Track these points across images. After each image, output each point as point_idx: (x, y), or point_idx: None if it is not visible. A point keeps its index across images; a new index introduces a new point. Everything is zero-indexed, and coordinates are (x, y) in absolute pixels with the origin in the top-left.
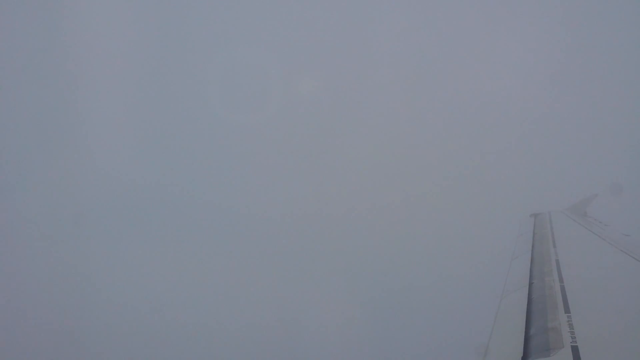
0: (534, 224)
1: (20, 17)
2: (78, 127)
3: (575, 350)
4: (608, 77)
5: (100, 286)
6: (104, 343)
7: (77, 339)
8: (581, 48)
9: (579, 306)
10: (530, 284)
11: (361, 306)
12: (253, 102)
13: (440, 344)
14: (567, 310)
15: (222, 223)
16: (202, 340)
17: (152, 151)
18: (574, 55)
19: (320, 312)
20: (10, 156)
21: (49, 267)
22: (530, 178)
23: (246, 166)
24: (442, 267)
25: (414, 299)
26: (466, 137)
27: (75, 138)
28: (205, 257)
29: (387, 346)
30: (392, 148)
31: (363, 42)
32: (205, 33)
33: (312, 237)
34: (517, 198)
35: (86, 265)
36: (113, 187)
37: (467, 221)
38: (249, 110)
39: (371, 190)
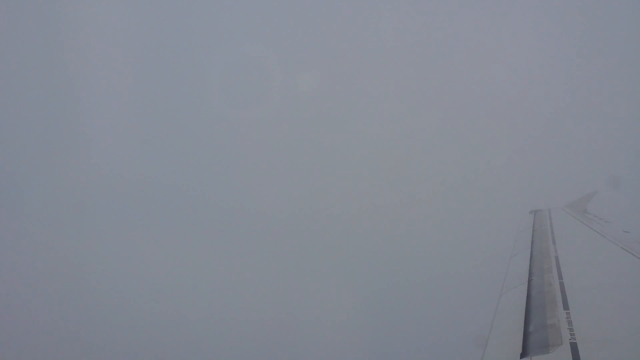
0: (534, 220)
1: (21, 16)
2: (79, 124)
3: (574, 347)
4: (608, 75)
5: (101, 283)
6: (105, 339)
7: (78, 333)
8: (579, 45)
9: (578, 303)
10: (530, 281)
11: (363, 302)
12: (253, 99)
13: (441, 339)
14: (566, 307)
15: (222, 219)
16: (200, 335)
17: (152, 148)
18: (572, 54)
19: (322, 308)
20: (11, 154)
21: (50, 263)
22: (530, 175)
23: (246, 162)
24: (443, 264)
25: (414, 296)
26: (466, 134)
27: (76, 135)
28: (205, 253)
29: (388, 342)
30: (393, 145)
31: (364, 38)
32: (205, 30)
33: (313, 234)
34: (517, 195)
35: (86, 262)
36: (114, 183)
37: (467, 218)
38: (249, 107)
39: (372, 187)
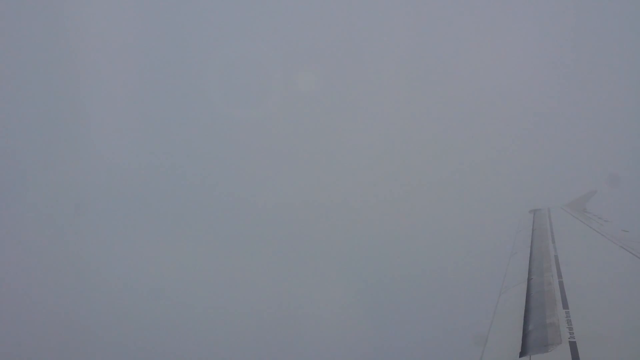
0: (533, 219)
1: (22, 15)
2: (82, 123)
3: (573, 345)
4: (607, 74)
5: (102, 280)
6: (105, 338)
7: (79, 331)
8: (579, 45)
9: (577, 302)
10: (529, 280)
11: (364, 301)
12: (253, 98)
13: (440, 338)
14: (565, 306)
15: (222, 216)
16: (201, 332)
17: (152, 146)
18: (572, 53)
19: (322, 307)
20: (11, 154)
21: (51, 260)
22: (529, 174)
23: (245, 161)
24: (443, 263)
25: (414, 294)
26: (466, 133)
27: (79, 133)
28: (205, 249)
29: (388, 340)
30: (393, 144)
31: (363, 38)
32: (205, 29)
33: (312, 232)
34: (517, 194)
35: (88, 258)
36: (115, 181)
37: (467, 217)
38: (249, 106)
39: (371, 187)
